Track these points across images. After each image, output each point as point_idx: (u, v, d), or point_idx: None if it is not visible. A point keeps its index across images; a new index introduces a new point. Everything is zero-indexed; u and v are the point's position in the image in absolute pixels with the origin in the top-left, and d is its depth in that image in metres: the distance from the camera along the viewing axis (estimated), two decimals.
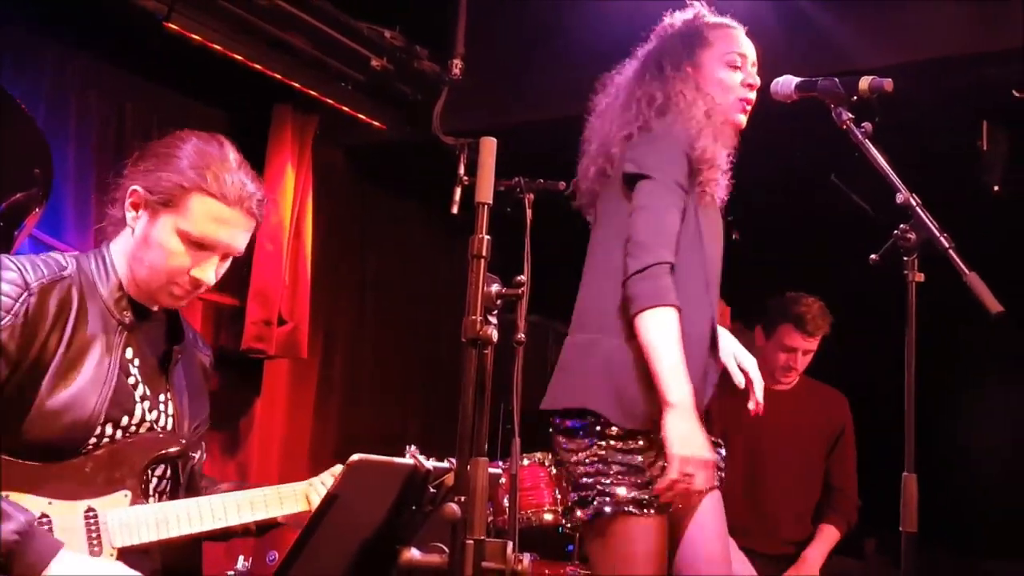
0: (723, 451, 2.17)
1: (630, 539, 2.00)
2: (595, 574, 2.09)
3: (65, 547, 1.58)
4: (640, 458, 2.02)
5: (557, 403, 2.09)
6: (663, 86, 2.16)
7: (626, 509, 1.99)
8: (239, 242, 1.81)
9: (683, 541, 2.08)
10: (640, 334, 1.97)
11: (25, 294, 1.67)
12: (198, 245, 1.76)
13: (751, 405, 2.19)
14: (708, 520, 2.07)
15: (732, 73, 2.16)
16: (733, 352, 2.21)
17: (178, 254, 1.76)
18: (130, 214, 1.78)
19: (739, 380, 2.19)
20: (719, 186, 2.12)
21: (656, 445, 2.02)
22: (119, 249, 1.82)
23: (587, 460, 2.03)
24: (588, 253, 2.20)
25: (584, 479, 2.03)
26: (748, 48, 2.19)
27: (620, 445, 2.02)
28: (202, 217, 1.75)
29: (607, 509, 2.01)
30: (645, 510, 2.00)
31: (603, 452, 2.02)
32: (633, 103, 2.16)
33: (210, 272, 1.79)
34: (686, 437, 1.93)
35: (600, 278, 2.13)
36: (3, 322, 1.64)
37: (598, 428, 2.03)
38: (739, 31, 2.21)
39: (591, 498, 2.02)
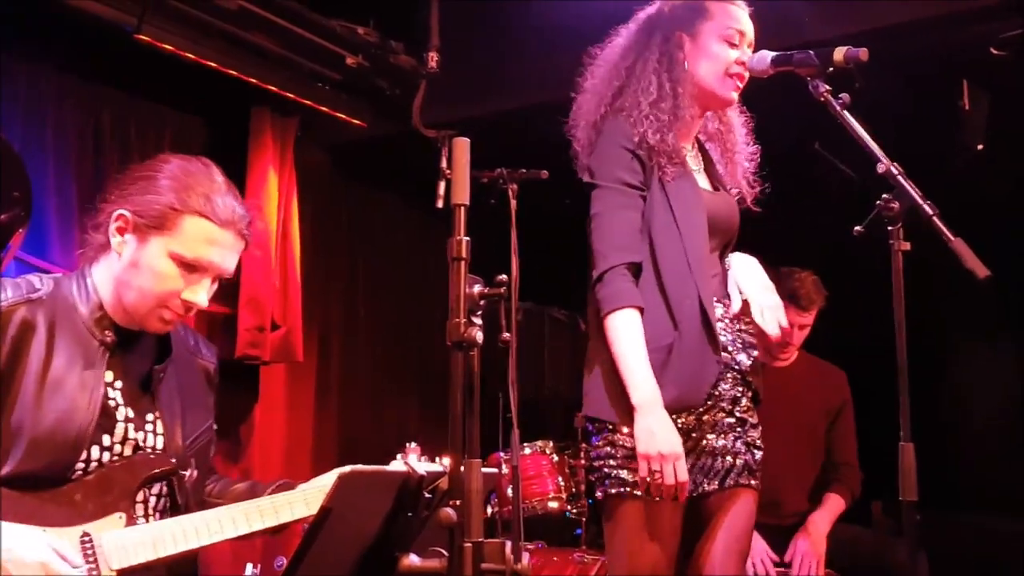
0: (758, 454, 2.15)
1: (633, 521, 2.05)
2: (607, 553, 2.16)
3: None
4: None
5: (585, 411, 2.18)
6: (634, 65, 2.18)
7: (632, 492, 2.04)
8: (229, 264, 1.81)
9: (707, 535, 2.11)
10: (607, 339, 2.05)
11: None
12: (190, 267, 1.76)
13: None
14: (732, 523, 2.11)
15: (728, 49, 2.14)
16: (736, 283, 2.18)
17: (170, 277, 1.75)
18: (116, 239, 1.76)
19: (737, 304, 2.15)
20: (674, 167, 2.11)
21: None
22: (102, 273, 1.80)
23: (600, 444, 2.12)
24: None
25: (596, 462, 2.12)
26: (748, 28, 2.17)
27: (626, 430, 2.06)
28: (195, 238, 1.74)
29: (612, 491, 2.08)
30: (651, 495, 2.03)
31: (612, 437, 2.08)
32: (605, 84, 2.20)
33: (202, 294, 1.78)
34: (647, 435, 1.98)
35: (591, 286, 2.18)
36: None
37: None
38: (740, 10, 2.19)
39: (600, 479, 2.11)
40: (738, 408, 2.14)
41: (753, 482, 2.13)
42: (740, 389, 2.15)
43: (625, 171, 2.10)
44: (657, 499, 2.01)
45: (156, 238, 1.74)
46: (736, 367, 2.14)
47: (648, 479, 1.98)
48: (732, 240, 2.23)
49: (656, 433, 1.97)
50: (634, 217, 2.09)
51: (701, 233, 2.10)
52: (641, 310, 2.05)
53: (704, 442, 2.09)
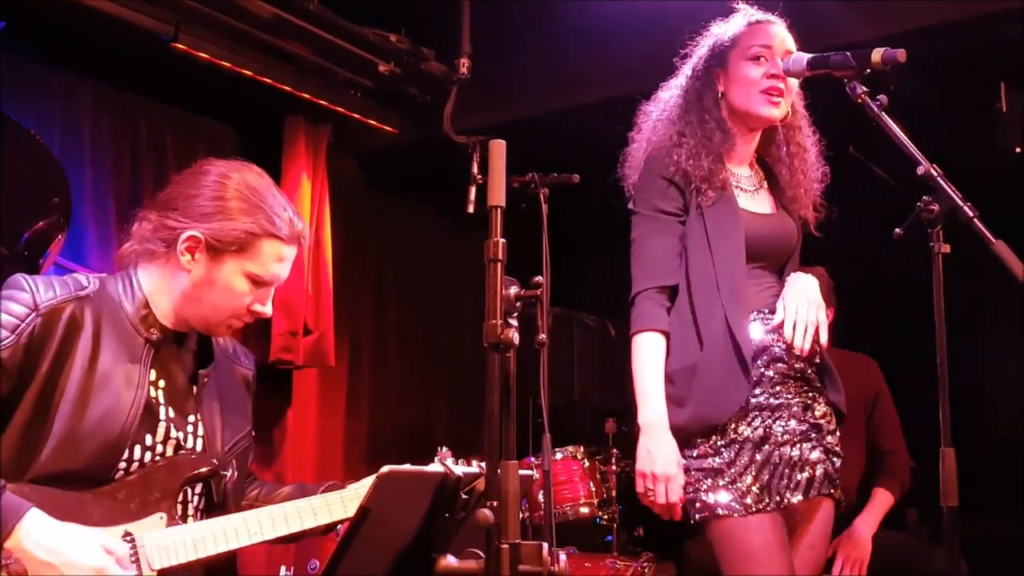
0: (837, 461, 2.14)
1: (733, 539, 2.03)
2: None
3: (35, 509, 1.60)
4: (713, 461, 2.06)
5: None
6: (668, 109, 2.25)
7: (718, 512, 2.03)
8: (288, 271, 1.90)
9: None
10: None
11: (32, 315, 1.70)
12: (260, 283, 1.84)
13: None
14: (809, 531, 2.13)
15: (754, 67, 2.16)
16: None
17: (243, 293, 1.83)
18: (185, 258, 1.80)
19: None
20: (714, 192, 2.13)
21: (727, 444, 2.05)
22: (154, 279, 1.83)
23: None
24: None
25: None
26: (776, 39, 2.17)
27: (689, 453, 2.09)
28: (270, 259, 1.83)
29: (697, 516, 2.08)
30: (738, 511, 2.02)
31: (683, 462, 2.08)
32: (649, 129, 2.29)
33: (269, 304, 1.88)
34: (645, 454, 2.05)
35: None
36: (6, 342, 1.67)
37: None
38: (768, 25, 2.19)
39: (686, 506, 2.10)
40: (811, 415, 2.13)
41: (833, 491, 2.14)
42: (809, 396, 2.15)
43: (661, 199, 2.15)
44: (745, 511, 2.01)
45: (232, 260, 1.80)
46: (798, 376, 2.13)
47: (641, 496, 2.05)
48: (788, 260, 2.22)
49: (653, 453, 2.03)
50: (669, 242, 2.14)
51: (736, 255, 2.11)
52: (665, 333, 2.10)
53: (777, 454, 2.07)
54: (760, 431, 2.07)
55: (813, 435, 2.11)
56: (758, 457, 2.05)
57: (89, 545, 1.62)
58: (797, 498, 2.07)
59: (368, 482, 1.86)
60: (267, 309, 1.88)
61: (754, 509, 2.02)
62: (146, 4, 3.20)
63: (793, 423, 2.09)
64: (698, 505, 2.06)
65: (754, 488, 2.03)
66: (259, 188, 1.84)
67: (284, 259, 1.85)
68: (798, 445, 2.08)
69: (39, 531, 1.59)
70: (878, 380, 3.36)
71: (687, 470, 2.07)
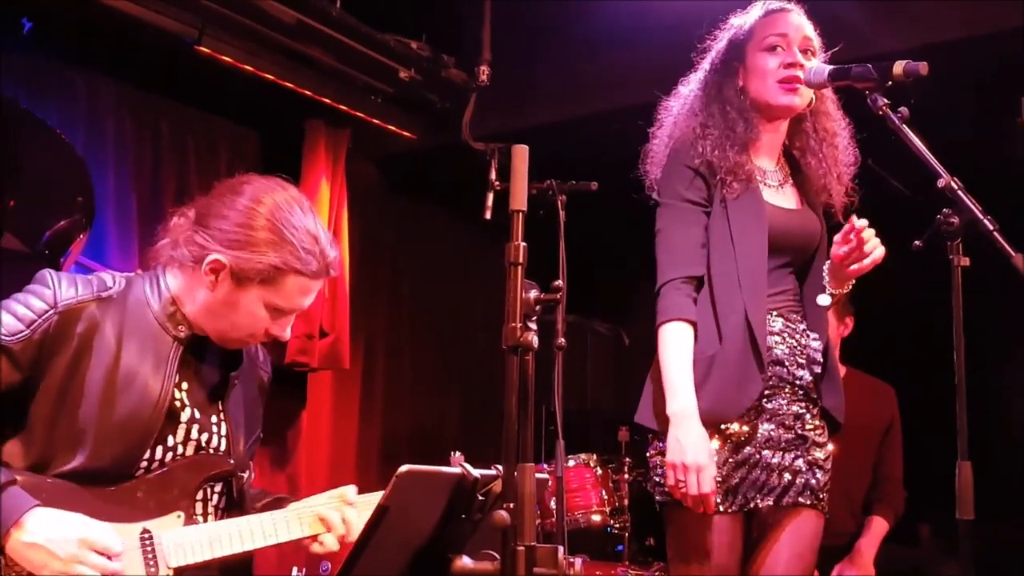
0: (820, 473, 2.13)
1: (685, 530, 2.07)
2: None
3: (40, 506, 1.60)
4: None
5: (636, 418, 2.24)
6: (689, 103, 2.24)
7: (680, 503, 2.05)
8: (311, 301, 1.88)
9: (763, 552, 2.12)
10: (658, 350, 2.10)
11: (50, 312, 1.71)
12: (281, 313, 1.83)
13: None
14: (795, 540, 2.10)
15: (770, 57, 2.15)
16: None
17: (263, 319, 1.82)
18: (209, 278, 1.78)
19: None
20: (739, 184, 2.12)
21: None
22: (178, 282, 1.83)
23: (652, 454, 2.16)
24: None
25: (650, 471, 2.17)
26: (792, 27, 2.16)
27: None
28: (293, 293, 1.80)
29: (658, 498, 2.13)
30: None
31: (660, 446, 2.11)
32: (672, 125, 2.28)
33: (288, 329, 1.88)
34: (675, 445, 2.01)
35: None
36: (20, 336, 1.68)
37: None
38: (784, 13, 2.19)
39: (652, 487, 2.14)
40: (801, 425, 2.12)
41: (816, 503, 2.11)
42: (803, 405, 2.14)
43: (686, 188, 2.14)
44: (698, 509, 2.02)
45: (256, 289, 1.78)
46: (797, 383, 2.12)
47: (672, 488, 2.02)
48: (811, 258, 2.21)
49: (683, 443, 2.00)
50: (695, 232, 2.13)
51: (758, 249, 2.10)
52: (692, 323, 2.08)
53: (758, 456, 2.07)
54: (746, 430, 2.07)
55: (798, 445, 2.10)
56: (734, 458, 2.06)
57: (71, 522, 1.61)
58: (767, 503, 2.07)
59: (374, 498, 1.86)
60: (285, 335, 1.87)
61: (714, 509, 2.02)
62: (171, 7, 3.23)
63: (780, 430, 2.09)
64: (663, 488, 2.09)
65: (720, 488, 2.03)
66: (291, 218, 1.78)
67: (309, 292, 1.83)
68: (779, 452, 2.08)
69: (36, 525, 1.58)
70: (894, 408, 3.42)
71: (663, 453, 2.08)
